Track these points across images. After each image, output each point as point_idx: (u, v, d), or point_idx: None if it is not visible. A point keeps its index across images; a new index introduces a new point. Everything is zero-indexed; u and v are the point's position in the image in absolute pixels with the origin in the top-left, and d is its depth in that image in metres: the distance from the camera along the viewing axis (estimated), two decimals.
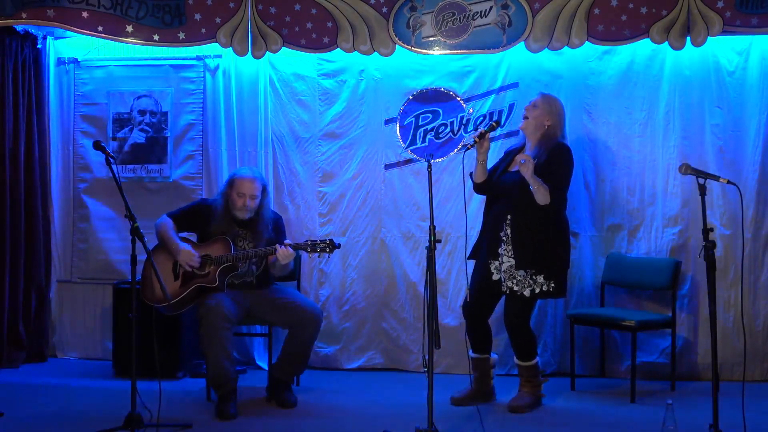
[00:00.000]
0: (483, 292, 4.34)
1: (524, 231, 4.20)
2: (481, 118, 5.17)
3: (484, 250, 4.36)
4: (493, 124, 4.31)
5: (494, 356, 4.51)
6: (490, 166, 4.41)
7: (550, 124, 4.30)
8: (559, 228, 4.27)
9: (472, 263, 4.43)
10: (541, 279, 4.20)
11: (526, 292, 4.21)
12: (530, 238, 4.18)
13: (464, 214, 4.25)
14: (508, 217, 4.25)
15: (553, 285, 4.22)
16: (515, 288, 4.21)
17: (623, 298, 5.10)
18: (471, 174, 4.42)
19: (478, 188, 4.45)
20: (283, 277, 4.71)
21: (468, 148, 4.16)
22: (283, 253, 4.28)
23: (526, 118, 4.36)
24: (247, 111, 5.40)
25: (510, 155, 4.48)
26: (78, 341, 5.61)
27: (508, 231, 4.24)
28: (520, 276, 4.20)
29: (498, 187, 4.35)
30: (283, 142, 5.39)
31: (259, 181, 4.51)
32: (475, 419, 4.03)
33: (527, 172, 4.09)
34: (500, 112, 5.16)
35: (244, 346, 5.37)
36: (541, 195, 4.11)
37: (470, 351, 4.45)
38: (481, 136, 4.18)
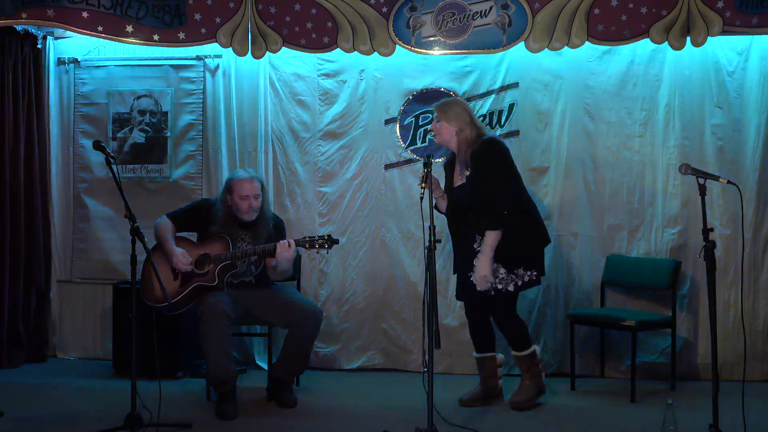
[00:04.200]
0: (472, 301, 4.37)
1: None
2: (481, 118, 5.16)
3: (461, 265, 4.35)
4: (426, 161, 4.00)
5: (499, 355, 4.51)
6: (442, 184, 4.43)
7: (457, 129, 4.25)
8: (522, 217, 4.21)
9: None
10: (521, 271, 4.21)
11: (510, 287, 4.21)
12: (503, 242, 4.17)
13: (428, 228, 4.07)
14: (476, 231, 4.22)
15: (534, 273, 4.24)
16: (499, 286, 4.21)
17: (623, 298, 5.10)
18: (435, 207, 4.36)
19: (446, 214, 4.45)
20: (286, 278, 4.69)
21: (422, 197, 3.94)
22: (283, 246, 4.27)
23: (437, 134, 4.33)
24: (246, 111, 5.40)
25: (447, 169, 4.45)
26: (78, 341, 5.61)
27: (480, 241, 4.22)
28: (502, 274, 4.20)
29: (453, 204, 4.34)
30: (283, 142, 5.39)
31: (257, 180, 4.50)
32: (475, 419, 4.04)
33: (485, 280, 4.15)
34: (500, 112, 5.16)
35: (244, 346, 5.37)
36: (494, 236, 4.13)
37: (474, 352, 4.46)
38: (424, 179, 3.98)
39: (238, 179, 4.47)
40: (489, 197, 4.14)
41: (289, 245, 4.29)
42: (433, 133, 4.42)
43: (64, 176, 5.62)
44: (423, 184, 3.98)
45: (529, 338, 4.37)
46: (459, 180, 4.33)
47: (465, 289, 4.32)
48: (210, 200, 4.74)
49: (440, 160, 5.16)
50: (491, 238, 4.14)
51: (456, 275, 4.43)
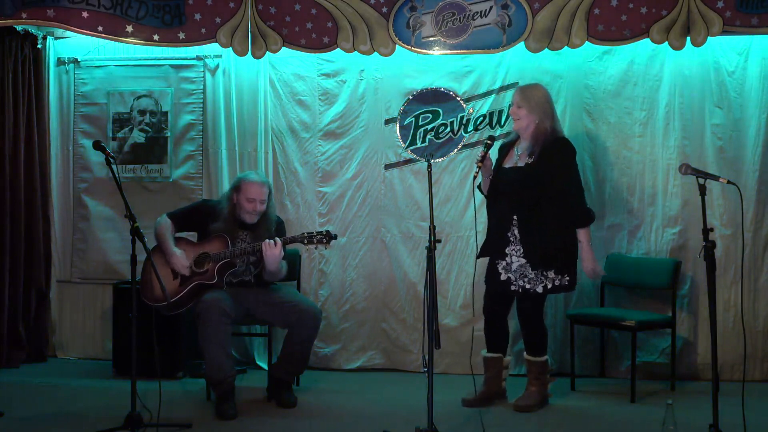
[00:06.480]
0: (495, 292, 4.36)
1: (533, 231, 4.19)
2: (481, 118, 5.17)
3: (494, 250, 4.34)
4: (488, 142, 4.23)
5: (507, 358, 4.50)
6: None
7: (538, 119, 4.25)
8: (566, 222, 4.25)
9: (473, 263, 4.41)
10: (552, 274, 4.20)
11: (539, 289, 4.21)
12: (539, 237, 4.18)
13: (474, 218, 4.16)
14: (514, 217, 4.24)
15: (567, 279, 4.23)
16: (527, 286, 4.21)
17: (623, 298, 5.10)
18: (479, 186, 4.44)
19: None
20: (282, 279, 4.68)
21: (476, 176, 4.19)
22: (268, 245, 4.25)
23: (517, 119, 4.33)
24: (246, 111, 5.40)
25: (504, 149, 4.46)
26: (78, 341, 5.60)
27: (516, 231, 4.23)
28: (531, 274, 4.20)
29: (498, 185, 4.34)
30: (283, 142, 5.39)
31: (267, 186, 4.50)
32: (475, 419, 4.03)
33: (594, 272, 4.32)
34: (500, 113, 5.16)
35: (244, 346, 5.37)
36: (586, 232, 4.27)
37: (484, 349, 4.45)
38: (483, 158, 4.17)
39: (249, 181, 4.45)
40: (572, 198, 4.21)
41: (275, 243, 4.27)
42: (512, 117, 4.38)
43: (64, 176, 5.62)
44: (480, 163, 4.15)
45: (545, 347, 4.37)
46: (512, 162, 4.32)
47: (492, 275, 4.32)
48: (210, 201, 4.75)
49: (440, 159, 5.18)
50: (583, 235, 4.23)
51: (488, 259, 4.39)
